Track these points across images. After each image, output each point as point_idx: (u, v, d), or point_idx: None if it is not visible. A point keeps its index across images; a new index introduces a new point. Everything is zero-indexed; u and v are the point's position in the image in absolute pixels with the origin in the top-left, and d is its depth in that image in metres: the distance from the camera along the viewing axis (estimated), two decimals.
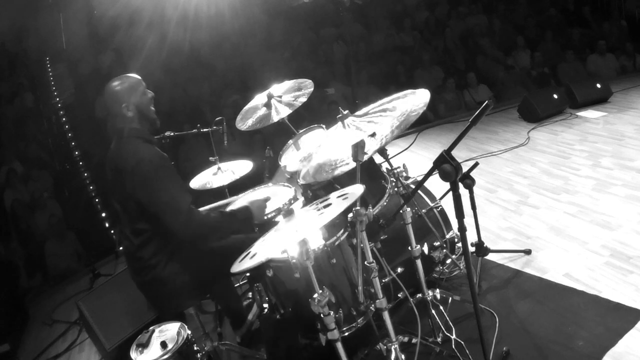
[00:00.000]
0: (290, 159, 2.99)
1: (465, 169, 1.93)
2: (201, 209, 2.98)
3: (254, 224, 2.58)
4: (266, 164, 3.52)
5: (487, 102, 1.80)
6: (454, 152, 1.91)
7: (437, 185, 2.81)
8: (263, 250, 1.87)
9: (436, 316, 2.67)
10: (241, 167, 3.48)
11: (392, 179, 2.55)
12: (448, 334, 2.60)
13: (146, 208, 2.34)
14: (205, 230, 2.42)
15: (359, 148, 2.08)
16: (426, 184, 2.72)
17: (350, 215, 2.07)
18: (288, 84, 3.26)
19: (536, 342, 2.54)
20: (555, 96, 6.03)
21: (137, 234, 2.46)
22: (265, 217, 2.59)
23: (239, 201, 2.86)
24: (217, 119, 3.70)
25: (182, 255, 2.52)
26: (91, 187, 6.01)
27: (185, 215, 2.31)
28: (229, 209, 2.75)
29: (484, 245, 3.07)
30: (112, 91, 2.43)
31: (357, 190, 1.92)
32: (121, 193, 2.42)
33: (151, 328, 2.32)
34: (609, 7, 8.72)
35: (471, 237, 2.80)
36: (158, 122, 2.57)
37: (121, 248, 4.84)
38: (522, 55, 7.91)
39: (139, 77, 2.52)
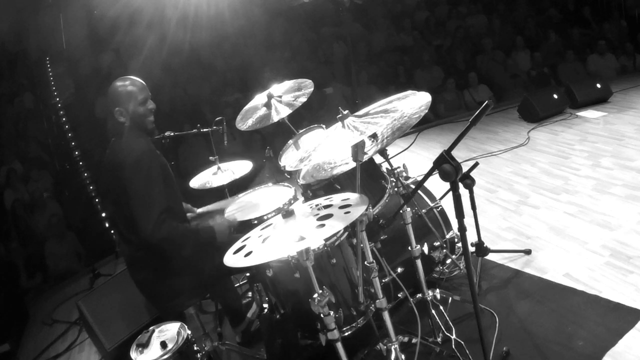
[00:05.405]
0: (290, 159, 2.99)
1: (465, 169, 1.93)
2: (199, 210, 3.00)
3: (216, 243, 2.53)
4: (266, 164, 3.52)
5: (487, 102, 1.80)
6: (454, 152, 1.91)
7: (437, 185, 2.81)
8: (260, 249, 1.84)
9: (436, 316, 2.67)
10: (241, 167, 3.48)
11: (392, 179, 2.54)
12: (448, 334, 2.60)
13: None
14: (170, 241, 2.37)
15: (359, 148, 2.08)
16: (426, 184, 2.72)
17: None
18: (288, 84, 3.26)
19: (536, 342, 2.54)
20: (555, 96, 6.03)
21: (133, 234, 2.45)
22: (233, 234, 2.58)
23: (212, 211, 2.95)
24: (217, 119, 3.70)
25: (180, 255, 2.51)
26: (91, 187, 6.02)
27: (156, 220, 2.28)
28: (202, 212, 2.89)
29: (484, 245, 3.07)
30: (113, 90, 2.43)
31: (360, 204, 1.89)
32: (116, 191, 2.40)
33: (151, 328, 2.32)
34: (609, 7, 8.72)
35: (471, 237, 2.80)
36: (155, 132, 2.56)
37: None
38: (522, 55, 7.91)
39: (144, 85, 2.48)
